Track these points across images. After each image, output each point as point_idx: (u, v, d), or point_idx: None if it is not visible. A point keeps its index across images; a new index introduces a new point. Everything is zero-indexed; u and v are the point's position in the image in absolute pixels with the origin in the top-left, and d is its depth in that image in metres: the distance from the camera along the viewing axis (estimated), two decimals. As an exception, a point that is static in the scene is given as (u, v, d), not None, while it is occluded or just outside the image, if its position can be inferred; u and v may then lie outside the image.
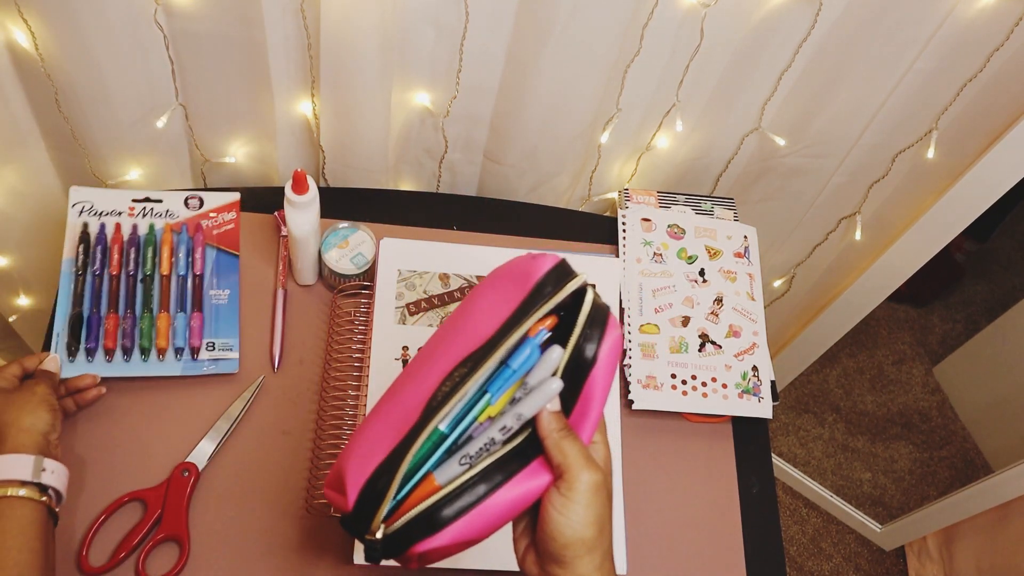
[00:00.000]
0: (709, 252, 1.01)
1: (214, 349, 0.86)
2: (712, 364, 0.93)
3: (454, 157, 1.07)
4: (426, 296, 0.91)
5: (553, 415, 0.52)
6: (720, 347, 0.94)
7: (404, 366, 0.86)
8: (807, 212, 1.20)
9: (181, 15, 0.84)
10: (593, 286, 0.56)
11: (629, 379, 0.91)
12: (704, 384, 0.92)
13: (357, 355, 0.88)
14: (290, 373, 0.88)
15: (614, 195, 1.15)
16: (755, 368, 0.94)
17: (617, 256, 1.00)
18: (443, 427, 0.52)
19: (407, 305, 0.90)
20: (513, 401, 0.53)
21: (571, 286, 0.55)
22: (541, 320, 0.54)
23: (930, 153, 1.04)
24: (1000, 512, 1.39)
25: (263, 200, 0.98)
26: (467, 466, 0.52)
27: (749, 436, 0.93)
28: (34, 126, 0.95)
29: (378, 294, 0.90)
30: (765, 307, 1.28)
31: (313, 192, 0.84)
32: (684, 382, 0.92)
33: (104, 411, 0.83)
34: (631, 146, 1.09)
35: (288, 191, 0.84)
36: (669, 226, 1.02)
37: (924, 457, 1.82)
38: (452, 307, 0.90)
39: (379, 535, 0.51)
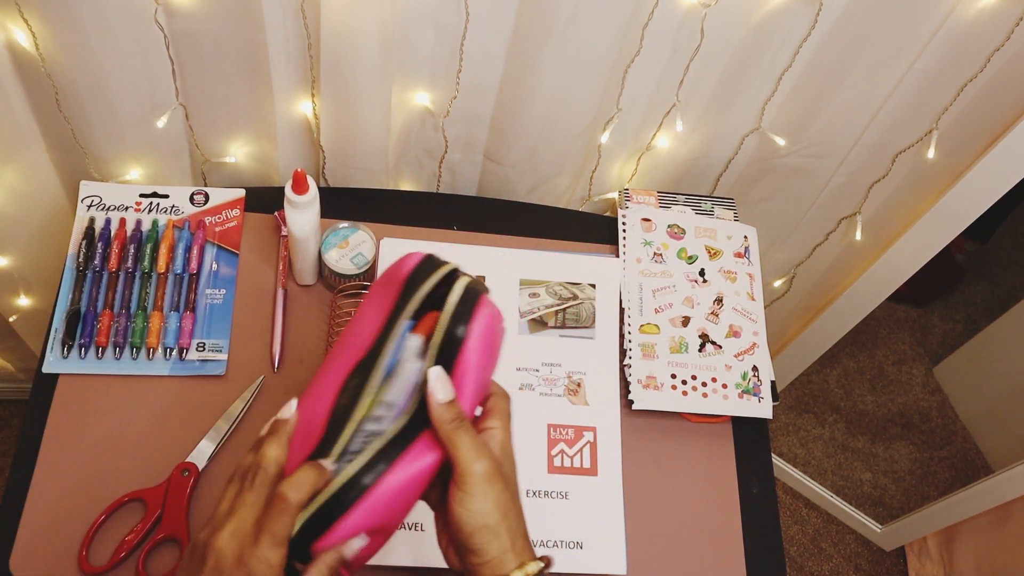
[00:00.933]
0: (709, 252, 1.01)
1: (204, 350, 0.86)
2: (712, 364, 0.93)
3: (454, 157, 1.07)
4: None
5: (443, 406, 0.54)
6: (720, 347, 0.94)
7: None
8: (807, 212, 1.20)
9: (181, 15, 0.84)
10: (467, 274, 0.60)
11: (629, 379, 0.91)
12: (704, 384, 0.92)
13: (357, 355, 0.88)
14: (290, 373, 0.88)
15: (614, 195, 1.15)
16: (755, 368, 0.94)
17: (617, 256, 1.00)
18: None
19: (407, 305, 0.90)
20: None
21: (438, 275, 0.58)
22: (423, 318, 0.57)
23: (930, 153, 1.04)
24: (1000, 512, 1.39)
25: (263, 200, 0.98)
26: (349, 461, 0.54)
27: (749, 436, 0.93)
28: (34, 126, 0.95)
29: None
30: (765, 307, 1.28)
31: (313, 192, 0.84)
32: (684, 382, 0.92)
33: (105, 410, 0.83)
34: (631, 146, 1.09)
35: (288, 191, 0.84)
36: (669, 226, 1.02)
37: (924, 457, 1.82)
38: None
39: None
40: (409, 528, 0.79)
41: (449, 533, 0.55)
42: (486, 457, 0.53)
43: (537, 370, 0.89)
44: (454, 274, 0.58)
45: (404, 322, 0.57)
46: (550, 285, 0.93)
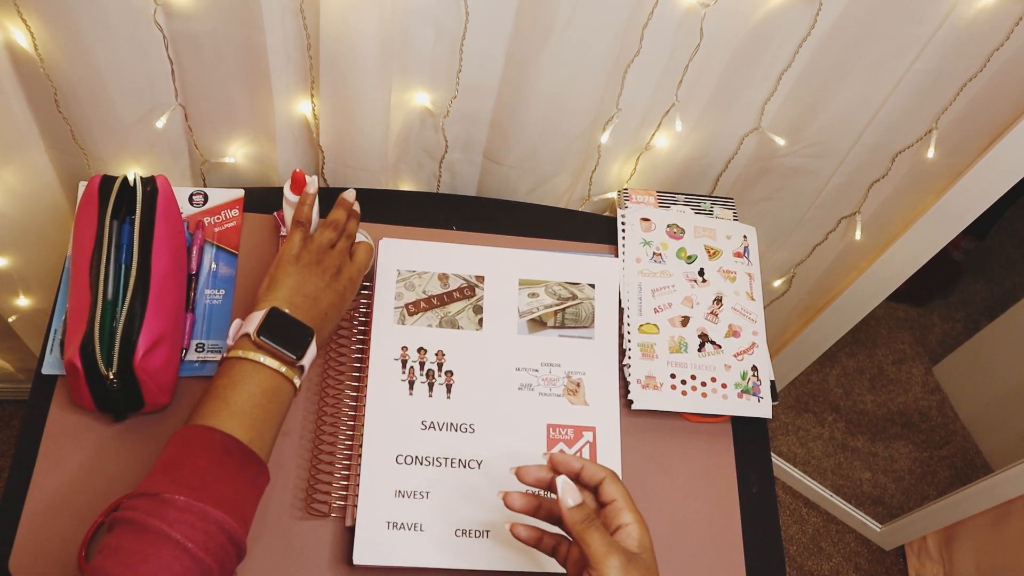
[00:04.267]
0: (708, 252, 1.01)
1: (203, 350, 0.86)
2: (712, 364, 0.93)
3: (454, 157, 1.07)
4: (425, 296, 0.91)
5: (574, 510, 0.62)
6: (720, 347, 0.94)
7: (403, 366, 0.87)
8: (807, 212, 1.20)
9: (181, 15, 0.84)
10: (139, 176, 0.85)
11: (628, 379, 0.91)
12: (704, 384, 0.92)
13: (356, 355, 0.88)
14: (290, 373, 0.88)
15: (613, 195, 1.15)
16: (755, 368, 0.94)
17: (616, 256, 1.00)
18: (109, 297, 0.78)
19: (406, 305, 0.90)
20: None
21: (117, 182, 0.83)
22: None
23: (930, 153, 1.04)
24: (1000, 512, 1.40)
25: (263, 200, 0.98)
26: (121, 308, 0.78)
27: (749, 436, 0.93)
28: (33, 126, 0.95)
29: (377, 294, 0.90)
30: (765, 307, 1.28)
31: (313, 191, 0.84)
32: (684, 382, 0.92)
33: (104, 411, 0.83)
34: (631, 146, 1.09)
35: (287, 191, 0.84)
36: (668, 226, 1.02)
37: (924, 457, 1.82)
38: (452, 307, 0.90)
39: (111, 375, 0.75)
40: (408, 528, 0.79)
41: None
42: (617, 552, 0.60)
43: (536, 370, 0.89)
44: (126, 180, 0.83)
45: (109, 222, 0.81)
46: (549, 285, 0.93)
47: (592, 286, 0.94)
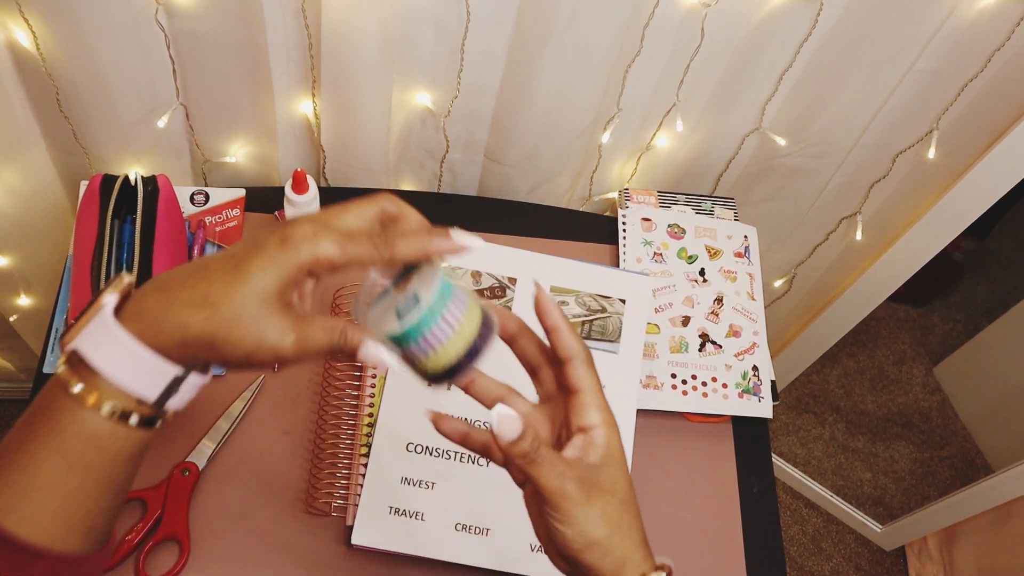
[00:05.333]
0: (709, 252, 1.01)
1: None
2: (712, 364, 0.93)
3: (455, 157, 1.07)
4: None
5: (513, 446, 0.46)
6: (720, 347, 0.94)
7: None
8: (808, 212, 1.20)
9: (182, 15, 0.84)
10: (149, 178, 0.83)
11: (629, 379, 0.91)
12: (704, 384, 0.92)
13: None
14: (290, 373, 0.88)
15: (614, 195, 1.15)
16: (755, 368, 0.94)
17: (618, 256, 1.00)
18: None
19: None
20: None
21: (118, 182, 0.82)
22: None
23: (931, 153, 1.04)
24: (1000, 512, 1.39)
25: (263, 200, 0.98)
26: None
27: (749, 436, 0.93)
28: (35, 126, 0.95)
29: None
30: (765, 307, 1.28)
31: (313, 192, 0.84)
32: (684, 382, 0.92)
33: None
34: (631, 146, 1.09)
35: (288, 191, 0.84)
36: (669, 226, 1.02)
37: (924, 457, 1.82)
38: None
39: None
40: (410, 516, 0.79)
41: (555, 547, 0.49)
42: (573, 478, 0.47)
43: None
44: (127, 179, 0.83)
45: (111, 221, 0.82)
46: (580, 295, 0.93)
47: (623, 301, 0.93)
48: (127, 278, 0.46)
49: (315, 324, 0.45)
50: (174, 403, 0.45)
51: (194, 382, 0.46)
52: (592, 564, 0.48)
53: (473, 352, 0.48)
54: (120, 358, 0.42)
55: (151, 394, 0.44)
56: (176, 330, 0.42)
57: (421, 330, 0.46)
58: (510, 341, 0.53)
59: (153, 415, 0.44)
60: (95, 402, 0.42)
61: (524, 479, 0.50)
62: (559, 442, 0.52)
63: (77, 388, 0.42)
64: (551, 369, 0.52)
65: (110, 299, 0.43)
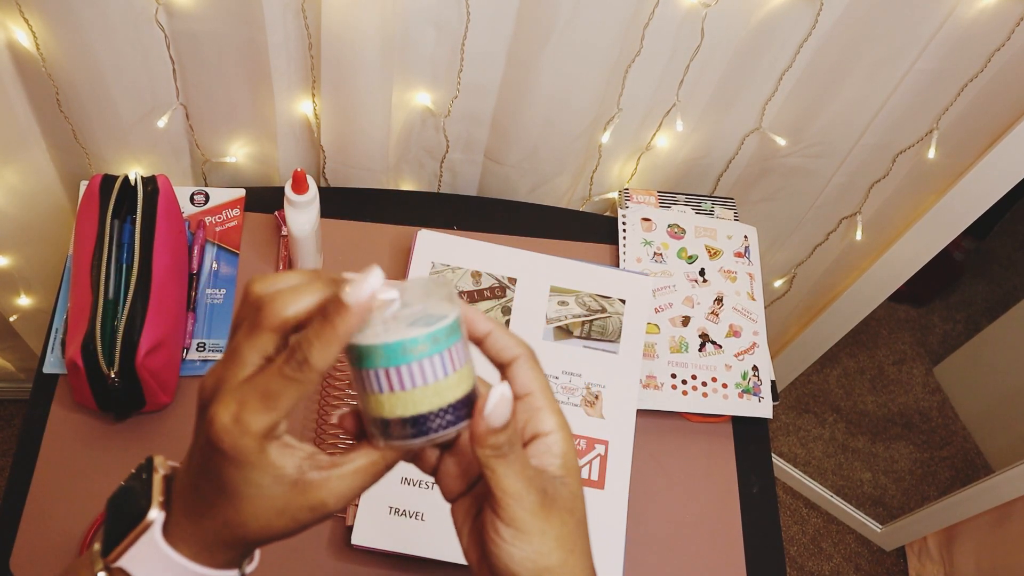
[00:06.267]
0: (709, 252, 1.01)
1: (204, 350, 0.86)
2: (712, 364, 0.93)
3: (455, 157, 1.07)
4: (456, 291, 0.91)
5: (491, 432, 0.39)
6: (720, 347, 0.94)
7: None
8: (808, 212, 1.20)
9: (182, 15, 0.84)
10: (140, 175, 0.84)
11: (629, 379, 0.91)
12: (704, 384, 0.92)
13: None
14: (290, 373, 0.88)
15: (614, 195, 1.15)
16: (755, 368, 0.94)
17: (618, 256, 1.00)
18: (110, 296, 0.79)
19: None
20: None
21: (117, 184, 0.83)
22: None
23: (931, 153, 1.04)
24: (1000, 512, 1.39)
25: (263, 200, 0.98)
26: (123, 307, 0.79)
27: (749, 436, 0.93)
28: (35, 126, 0.95)
29: None
30: (765, 307, 1.28)
31: (313, 192, 0.84)
32: (684, 382, 0.92)
33: (105, 411, 0.83)
34: (631, 146, 1.09)
35: (288, 191, 0.84)
36: (669, 226, 1.02)
37: (924, 457, 1.82)
38: (481, 305, 0.90)
39: (112, 374, 0.76)
40: (410, 516, 0.79)
41: (494, 573, 0.42)
42: (535, 488, 0.40)
43: (556, 377, 0.89)
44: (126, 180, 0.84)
45: (111, 221, 0.82)
46: (580, 295, 0.93)
47: (623, 301, 0.93)
48: (161, 468, 0.43)
49: (344, 470, 0.39)
50: None
51: (250, 570, 0.45)
52: None
53: (448, 414, 0.39)
54: None
55: None
56: (225, 548, 0.40)
57: (419, 352, 0.38)
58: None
59: None
60: None
61: (460, 491, 0.44)
62: None
63: None
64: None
65: (158, 517, 0.40)
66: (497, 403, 0.38)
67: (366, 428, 0.40)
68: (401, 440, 0.39)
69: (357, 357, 0.38)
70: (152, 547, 0.40)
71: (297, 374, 0.36)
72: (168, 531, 0.40)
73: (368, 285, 0.36)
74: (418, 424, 0.39)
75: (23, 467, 0.79)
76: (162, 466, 0.43)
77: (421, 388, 0.38)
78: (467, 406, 0.40)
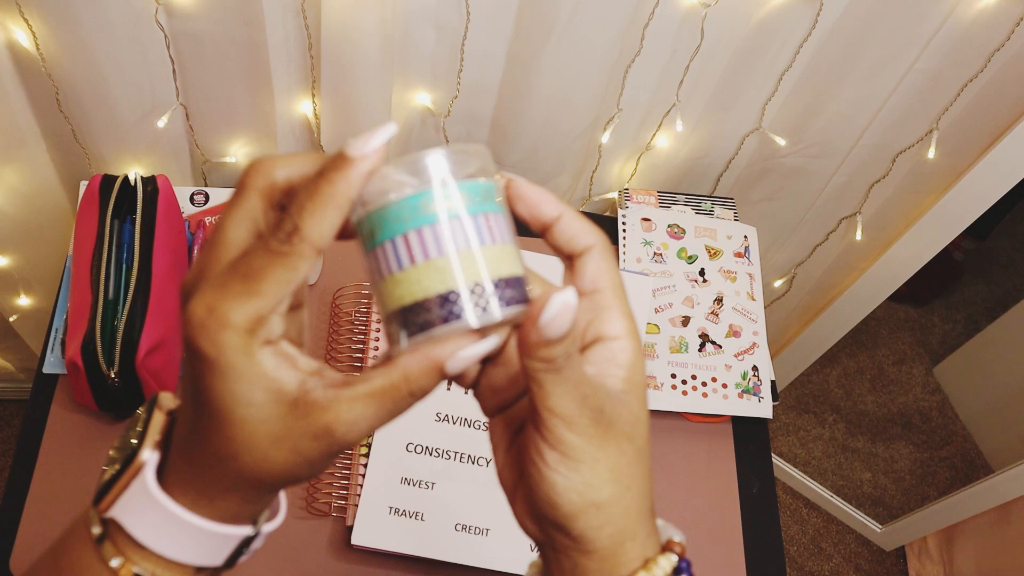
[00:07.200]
0: (709, 252, 1.01)
1: None
2: (712, 364, 0.93)
3: (454, 157, 1.07)
4: None
5: (549, 345, 0.31)
6: (720, 347, 0.94)
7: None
8: (808, 212, 1.20)
9: (182, 15, 0.84)
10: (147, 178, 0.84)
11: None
12: (704, 384, 0.92)
13: (357, 355, 0.88)
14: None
15: (614, 195, 1.15)
16: (755, 368, 0.94)
17: (618, 256, 1.00)
18: (110, 296, 0.80)
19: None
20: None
21: (118, 182, 0.84)
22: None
23: (931, 153, 1.04)
24: (1000, 512, 1.39)
25: (263, 200, 0.98)
26: (123, 307, 0.79)
27: (749, 436, 0.93)
28: (35, 126, 0.95)
29: None
30: (765, 307, 1.28)
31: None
32: (684, 382, 0.92)
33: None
34: (631, 146, 1.09)
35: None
36: (669, 226, 1.02)
37: (924, 457, 1.82)
38: None
39: (112, 374, 0.76)
40: (410, 516, 0.79)
41: (532, 503, 0.35)
42: (591, 407, 0.32)
43: None
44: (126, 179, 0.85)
45: (110, 221, 0.82)
46: None
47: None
48: (166, 402, 0.35)
49: (358, 391, 0.32)
50: (245, 558, 0.36)
51: (269, 531, 0.36)
52: (582, 534, 0.34)
53: (492, 295, 0.30)
54: (175, 532, 0.33)
55: (217, 560, 0.35)
56: (228, 494, 0.33)
57: (441, 211, 0.29)
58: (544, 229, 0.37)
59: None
60: None
61: (502, 405, 0.37)
62: None
63: (116, 563, 0.33)
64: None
65: (151, 458, 0.33)
66: (559, 311, 0.30)
67: (387, 336, 0.32)
68: (430, 329, 0.30)
69: (368, 232, 0.30)
70: (145, 494, 0.33)
71: (285, 246, 0.29)
72: (165, 477, 0.33)
73: (379, 136, 0.29)
74: (449, 304, 0.30)
75: (23, 467, 0.79)
76: (168, 401, 0.35)
77: (453, 255, 0.29)
78: (516, 289, 0.31)
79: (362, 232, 0.30)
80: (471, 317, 0.30)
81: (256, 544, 0.36)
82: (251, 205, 0.30)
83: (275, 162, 0.30)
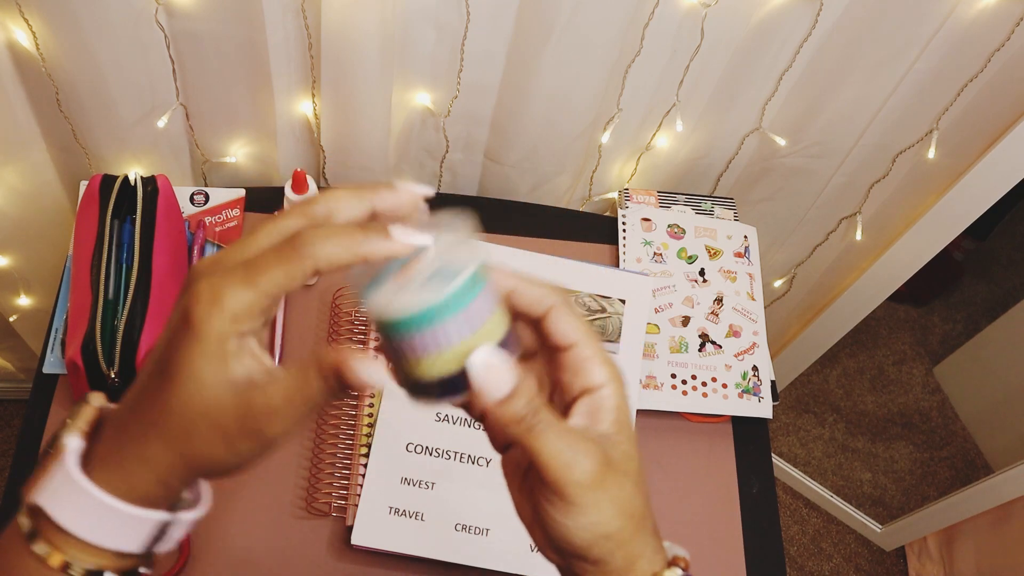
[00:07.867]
0: (709, 252, 1.01)
1: None
2: (712, 364, 0.93)
3: (455, 157, 1.07)
4: None
5: (503, 406, 0.35)
6: (720, 347, 0.94)
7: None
8: (808, 212, 1.20)
9: (182, 15, 0.84)
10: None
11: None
12: (704, 384, 0.92)
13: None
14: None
15: (614, 195, 1.15)
16: (755, 368, 0.94)
17: (618, 256, 1.00)
18: (110, 296, 0.80)
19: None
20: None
21: (118, 182, 0.83)
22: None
23: (931, 153, 1.04)
24: (1000, 512, 1.39)
25: (263, 200, 0.98)
26: (123, 307, 0.79)
27: (749, 436, 0.93)
28: (35, 126, 0.95)
29: None
30: (765, 307, 1.28)
31: (313, 192, 0.84)
32: (684, 382, 0.92)
33: (104, 411, 0.83)
34: (631, 146, 1.09)
35: (288, 191, 0.84)
36: (669, 226, 1.02)
37: (924, 457, 1.82)
38: None
39: (112, 374, 0.76)
40: (410, 516, 0.79)
41: (549, 539, 0.39)
42: (587, 455, 0.36)
43: None
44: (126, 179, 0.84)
45: (110, 221, 0.82)
46: (580, 295, 0.93)
47: (623, 301, 0.93)
48: (95, 400, 0.38)
49: (283, 380, 0.35)
50: (164, 546, 0.38)
51: (187, 520, 0.38)
52: (600, 558, 0.37)
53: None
54: (92, 515, 0.35)
55: (133, 546, 0.36)
56: (144, 470, 0.35)
57: (435, 318, 0.34)
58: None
59: (136, 565, 0.38)
60: (60, 564, 0.35)
61: (508, 443, 0.40)
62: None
63: (41, 549, 0.35)
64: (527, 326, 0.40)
65: (73, 443, 0.36)
66: (483, 375, 0.34)
67: (412, 395, 0.37)
68: (429, 400, 0.36)
69: (405, 325, 0.35)
70: (67, 479, 0.35)
71: (290, 252, 0.33)
72: (90, 465, 0.35)
73: (421, 238, 0.34)
74: (445, 386, 0.35)
75: (23, 467, 0.79)
76: (98, 400, 0.39)
77: (445, 350, 0.34)
78: (511, 342, 0.37)
79: (394, 325, 0.35)
80: (464, 392, 0.36)
81: (176, 533, 0.38)
82: (283, 235, 0.35)
83: (339, 207, 0.36)
